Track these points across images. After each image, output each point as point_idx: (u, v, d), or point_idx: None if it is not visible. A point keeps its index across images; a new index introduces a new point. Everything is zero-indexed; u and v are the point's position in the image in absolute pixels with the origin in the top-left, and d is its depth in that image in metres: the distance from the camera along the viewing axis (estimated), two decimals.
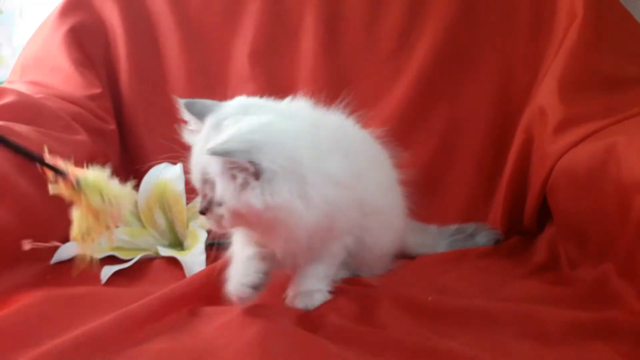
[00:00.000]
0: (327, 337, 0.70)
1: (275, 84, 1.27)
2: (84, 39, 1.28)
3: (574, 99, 1.11)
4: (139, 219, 1.06)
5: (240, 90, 1.26)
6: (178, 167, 1.03)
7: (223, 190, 0.68)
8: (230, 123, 0.70)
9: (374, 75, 1.28)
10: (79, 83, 1.21)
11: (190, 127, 0.75)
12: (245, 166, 0.66)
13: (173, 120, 1.28)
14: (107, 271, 0.90)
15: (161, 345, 0.67)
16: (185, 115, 0.75)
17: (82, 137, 1.08)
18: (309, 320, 0.76)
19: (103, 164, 1.07)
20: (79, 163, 1.01)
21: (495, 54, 1.26)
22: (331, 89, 1.24)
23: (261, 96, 1.18)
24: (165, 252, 0.99)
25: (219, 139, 0.68)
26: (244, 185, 0.67)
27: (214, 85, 1.29)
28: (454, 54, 1.26)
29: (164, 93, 1.29)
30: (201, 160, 0.71)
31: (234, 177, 0.67)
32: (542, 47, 1.23)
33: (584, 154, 1.00)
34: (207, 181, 0.71)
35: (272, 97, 1.20)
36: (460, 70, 1.26)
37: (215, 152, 0.65)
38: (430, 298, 0.80)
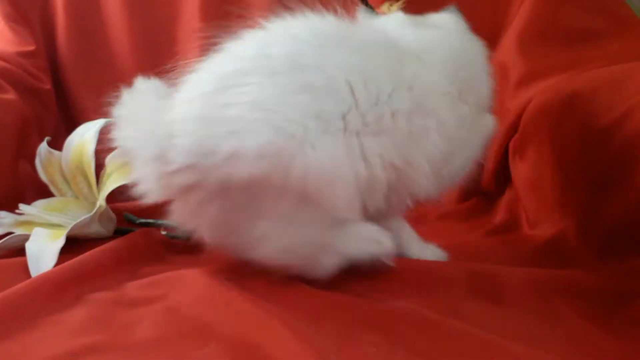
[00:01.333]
0: (272, 299, 0.65)
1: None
2: None
3: (535, 53, 1.07)
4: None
5: (190, 45, 1.19)
6: (94, 124, 0.88)
7: None
8: None
9: None
10: (10, 39, 1.12)
11: None
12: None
13: (114, 78, 1.23)
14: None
15: None
16: None
17: (11, 96, 1.00)
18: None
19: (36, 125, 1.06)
20: (9, 124, 0.97)
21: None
22: None
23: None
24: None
25: None
26: None
27: (160, 41, 1.21)
28: (415, 9, 1.20)
29: (105, 49, 1.21)
30: None
31: None
32: (504, 1, 1.18)
33: (546, 106, 0.96)
34: None
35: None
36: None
37: None
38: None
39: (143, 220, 0.93)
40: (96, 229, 0.85)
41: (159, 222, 0.88)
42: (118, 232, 0.87)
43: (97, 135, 0.85)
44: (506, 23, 1.15)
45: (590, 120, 0.83)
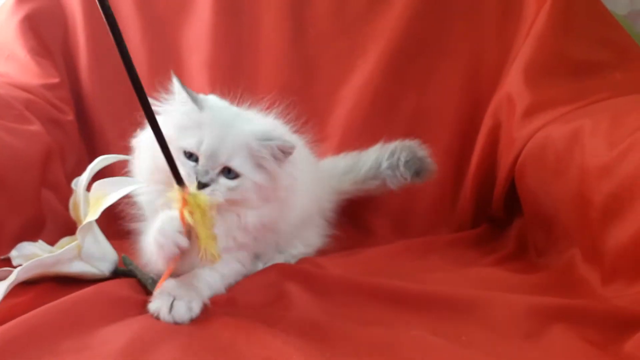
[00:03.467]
0: (285, 330, 0.68)
1: (237, 70, 1.24)
2: (42, 26, 1.22)
3: (541, 85, 1.10)
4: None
5: (202, 77, 1.24)
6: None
7: (259, 166, 0.77)
8: (252, 117, 0.84)
9: (340, 63, 1.25)
10: (35, 72, 1.16)
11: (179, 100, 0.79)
12: (289, 151, 0.77)
13: (134, 109, 1.27)
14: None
15: None
16: (180, 89, 0.78)
17: (36, 127, 1.03)
18: (267, 312, 0.73)
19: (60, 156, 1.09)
20: (33, 155, 1.00)
21: (463, 41, 1.24)
22: (295, 76, 1.25)
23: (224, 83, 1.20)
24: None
25: (267, 127, 0.80)
26: (278, 162, 0.78)
27: (176, 72, 1.24)
28: (421, 42, 1.24)
29: (125, 80, 1.24)
30: (236, 139, 0.76)
31: (262, 158, 0.77)
32: (511, 33, 1.22)
33: (550, 138, 0.99)
34: (231, 156, 0.76)
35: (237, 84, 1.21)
36: (428, 58, 1.24)
37: (272, 138, 0.77)
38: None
39: (129, 269, 0.86)
40: (81, 269, 0.82)
41: (146, 275, 0.82)
42: (117, 273, 0.85)
43: (91, 172, 0.86)
44: (512, 55, 1.19)
45: (592, 154, 0.86)
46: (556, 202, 0.95)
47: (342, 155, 1.14)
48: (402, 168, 1.07)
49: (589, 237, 0.86)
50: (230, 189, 0.76)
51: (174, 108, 0.78)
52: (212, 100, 0.83)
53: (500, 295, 0.76)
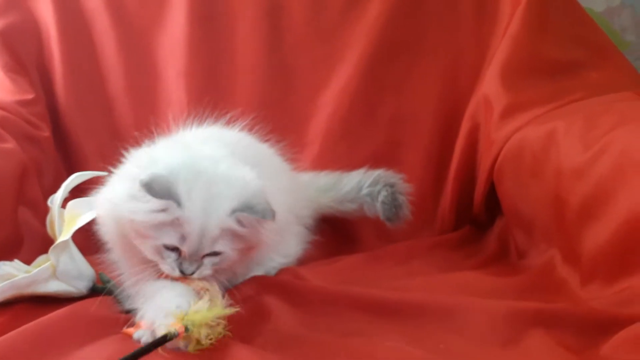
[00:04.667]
0: (263, 345, 0.68)
1: (214, 79, 1.23)
2: (15, 42, 1.21)
3: (518, 86, 1.11)
4: None
5: (179, 86, 1.23)
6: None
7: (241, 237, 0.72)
8: (231, 175, 0.74)
9: (318, 69, 1.24)
10: (9, 89, 1.15)
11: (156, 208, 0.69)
12: (269, 220, 0.72)
13: (112, 122, 1.27)
14: None
15: None
16: (152, 199, 0.68)
17: (10, 145, 1.02)
18: (245, 327, 0.73)
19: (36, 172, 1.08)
20: (8, 173, 1.00)
21: (440, 43, 1.23)
22: (273, 83, 1.25)
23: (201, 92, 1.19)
24: None
25: (247, 196, 0.72)
26: (260, 230, 0.73)
27: (152, 84, 1.24)
28: (398, 45, 1.23)
29: (102, 94, 1.25)
30: (218, 225, 0.70)
31: (243, 231, 0.72)
32: (487, 34, 1.22)
33: (527, 139, 1.00)
34: (214, 242, 0.71)
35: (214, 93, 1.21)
36: (405, 62, 1.23)
37: (265, 214, 0.71)
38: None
39: (105, 287, 0.84)
40: (58, 288, 0.81)
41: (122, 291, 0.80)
42: (95, 290, 0.84)
43: (66, 190, 0.85)
44: (488, 56, 1.19)
45: (567, 156, 0.86)
46: (534, 204, 0.95)
47: (324, 172, 1.13)
48: (378, 204, 1.07)
49: (566, 239, 0.86)
50: (215, 264, 0.73)
51: (145, 207, 0.69)
52: (184, 169, 0.72)
53: (479, 301, 0.76)
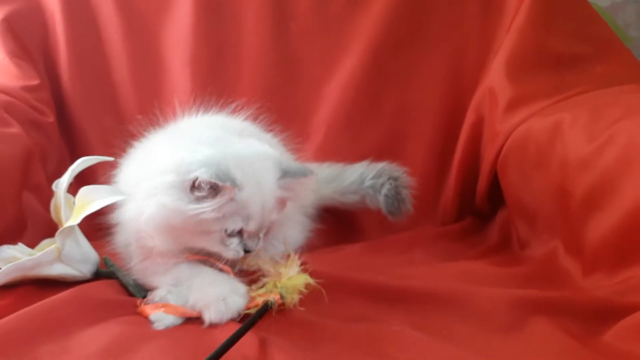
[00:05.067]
0: (267, 329, 0.68)
1: (219, 68, 1.23)
2: (20, 28, 1.21)
3: (523, 78, 1.11)
4: None
5: (184, 76, 1.23)
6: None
7: (283, 202, 0.76)
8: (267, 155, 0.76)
9: (323, 60, 1.24)
10: (14, 74, 1.15)
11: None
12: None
13: (116, 109, 1.27)
14: None
15: None
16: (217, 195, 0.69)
17: (15, 129, 1.02)
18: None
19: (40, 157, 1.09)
20: (13, 157, 1.00)
21: (445, 36, 1.23)
22: (278, 73, 1.25)
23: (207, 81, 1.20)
24: None
25: (292, 165, 0.79)
26: (299, 188, 0.78)
27: (157, 72, 1.24)
28: (403, 37, 1.23)
29: (107, 80, 1.25)
30: (272, 199, 0.74)
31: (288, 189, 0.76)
32: (493, 27, 1.21)
33: (532, 131, 1.00)
34: (271, 209, 0.74)
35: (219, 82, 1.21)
36: (410, 54, 1.23)
37: (305, 173, 0.76)
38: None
39: (111, 270, 0.85)
40: (62, 271, 0.81)
41: (127, 276, 0.81)
42: (99, 275, 0.84)
43: (72, 174, 0.84)
44: (494, 49, 1.19)
45: (572, 147, 0.87)
46: (538, 195, 0.95)
47: (327, 164, 1.13)
48: (380, 197, 1.07)
49: (570, 229, 0.87)
50: (264, 233, 0.76)
51: (212, 204, 0.69)
52: (227, 157, 0.72)
53: (482, 288, 0.77)
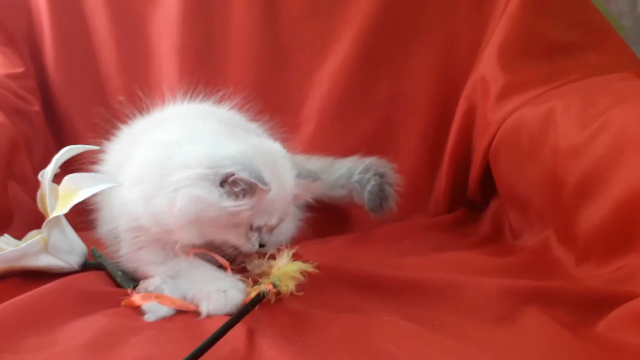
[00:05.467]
0: (257, 319, 0.67)
1: (207, 56, 1.21)
2: (4, 15, 1.18)
3: (515, 67, 1.10)
4: None
5: (172, 63, 1.21)
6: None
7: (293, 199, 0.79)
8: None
9: (314, 47, 1.23)
10: None
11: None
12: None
13: (103, 97, 1.25)
14: None
15: None
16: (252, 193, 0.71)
17: (0, 118, 1.01)
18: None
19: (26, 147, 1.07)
20: None
21: (437, 23, 1.22)
22: (267, 61, 1.23)
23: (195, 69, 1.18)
24: None
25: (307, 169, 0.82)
26: (308, 189, 0.84)
27: (144, 60, 1.22)
28: (395, 24, 1.22)
29: (93, 69, 1.23)
30: (291, 191, 0.77)
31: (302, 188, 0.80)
32: (485, 14, 1.20)
33: (524, 120, 0.99)
34: (290, 206, 0.79)
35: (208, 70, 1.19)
36: (402, 41, 1.22)
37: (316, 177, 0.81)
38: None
39: (98, 261, 0.84)
40: (49, 262, 0.80)
41: (115, 267, 0.81)
42: (87, 266, 0.83)
43: (57, 164, 0.83)
44: (486, 37, 1.18)
45: (564, 135, 0.86)
46: (530, 184, 0.95)
47: (315, 157, 1.11)
48: (365, 193, 1.05)
49: (562, 218, 0.86)
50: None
51: (247, 202, 0.70)
52: (255, 155, 0.73)
53: (473, 278, 0.76)
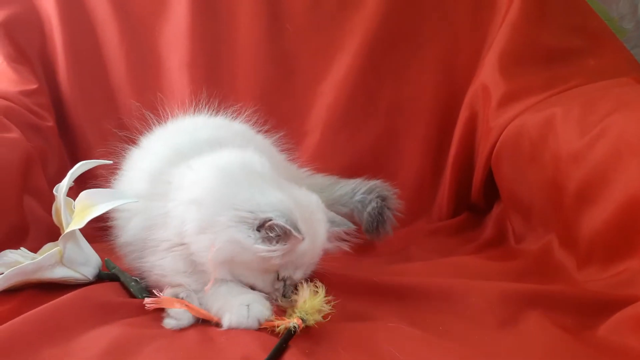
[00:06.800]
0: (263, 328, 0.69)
1: (215, 69, 1.24)
2: (17, 32, 1.22)
3: (516, 74, 1.12)
4: None
5: (183, 77, 1.24)
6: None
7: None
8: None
9: (318, 58, 1.25)
10: (13, 79, 1.16)
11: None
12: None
13: (115, 111, 1.27)
14: None
15: None
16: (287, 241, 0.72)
17: (15, 134, 1.03)
18: None
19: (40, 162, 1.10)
20: (13, 162, 1.01)
21: (439, 32, 1.24)
22: (274, 72, 1.26)
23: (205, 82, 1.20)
24: None
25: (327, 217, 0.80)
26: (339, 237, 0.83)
27: (155, 74, 1.26)
28: (397, 34, 1.24)
29: (105, 84, 1.26)
30: (322, 246, 0.78)
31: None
32: (486, 22, 1.22)
33: (525, 126, 1.01)
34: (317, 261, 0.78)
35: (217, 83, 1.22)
36: (404, 50, 1.24)
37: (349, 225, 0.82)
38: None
39: (113, 272, 0.86)
40: (64, 274, 0.82)
41: (129, 278, 0.83)
42: (101, 277, 0.85)
43: (71, 178, 0.85)
44: (487, 45, 1.19)
45: (564, 141, 0.87)
46: (532, 189, 0.96)
47: (320, 175, 1.13)
48: (365, 213, 1.06)
49: (564, 223, 0.88)
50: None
51: (282, 249, 0.72)
52: (294, 206, 0.74)
53: (477, 283, 0.78)
